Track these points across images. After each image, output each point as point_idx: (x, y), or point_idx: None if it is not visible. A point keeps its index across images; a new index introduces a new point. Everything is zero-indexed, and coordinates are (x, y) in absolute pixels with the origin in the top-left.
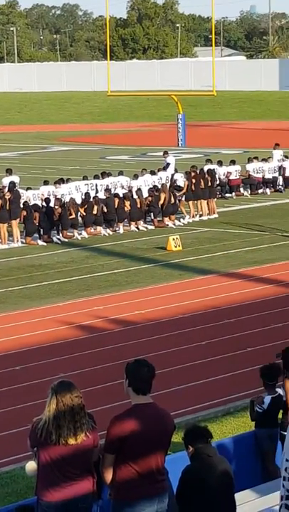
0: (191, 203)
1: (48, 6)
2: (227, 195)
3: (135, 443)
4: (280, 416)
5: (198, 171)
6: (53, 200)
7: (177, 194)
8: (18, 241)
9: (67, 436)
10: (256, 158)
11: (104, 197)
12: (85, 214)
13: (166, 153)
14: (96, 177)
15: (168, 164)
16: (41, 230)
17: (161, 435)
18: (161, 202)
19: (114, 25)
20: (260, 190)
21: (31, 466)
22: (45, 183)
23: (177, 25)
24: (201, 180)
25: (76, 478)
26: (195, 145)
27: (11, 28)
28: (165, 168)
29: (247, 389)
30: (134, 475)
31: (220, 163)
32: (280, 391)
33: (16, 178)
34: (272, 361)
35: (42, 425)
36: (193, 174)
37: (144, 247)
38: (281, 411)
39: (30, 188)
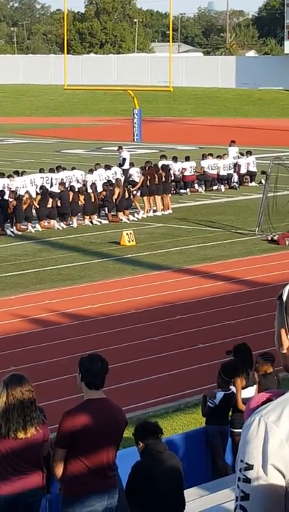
0: (145, 198)
1: None
2: (181, 191)
3: (87, 438)
4: (230, 413)
5: (152, 166)
6: (7, 192)
7: (131, 189)
8: None
9: (16, 429)
10: (211, 154)
11: (59, 190)
12: (38, 207)
13: (120, 148)
14: (51, 170)
15: (124, 159)
16: None
17: (112, 430)
18: (115, 196)
19: (72, 19)
20: (214, 187)
21: None
22: (0, 175)
23: (135, 20)
24: (156, 175)
25: (26, 472)
26: (151, 140)
27: None
28: (122, 163)
29: (198, 385)
30: (85, 470)
31: (175, 159)
32: (233, 389)
33: None
34: (223, 358)
35: None
36: (148, 170)
37: (97, 242)
38: (232, 408)
39: None
